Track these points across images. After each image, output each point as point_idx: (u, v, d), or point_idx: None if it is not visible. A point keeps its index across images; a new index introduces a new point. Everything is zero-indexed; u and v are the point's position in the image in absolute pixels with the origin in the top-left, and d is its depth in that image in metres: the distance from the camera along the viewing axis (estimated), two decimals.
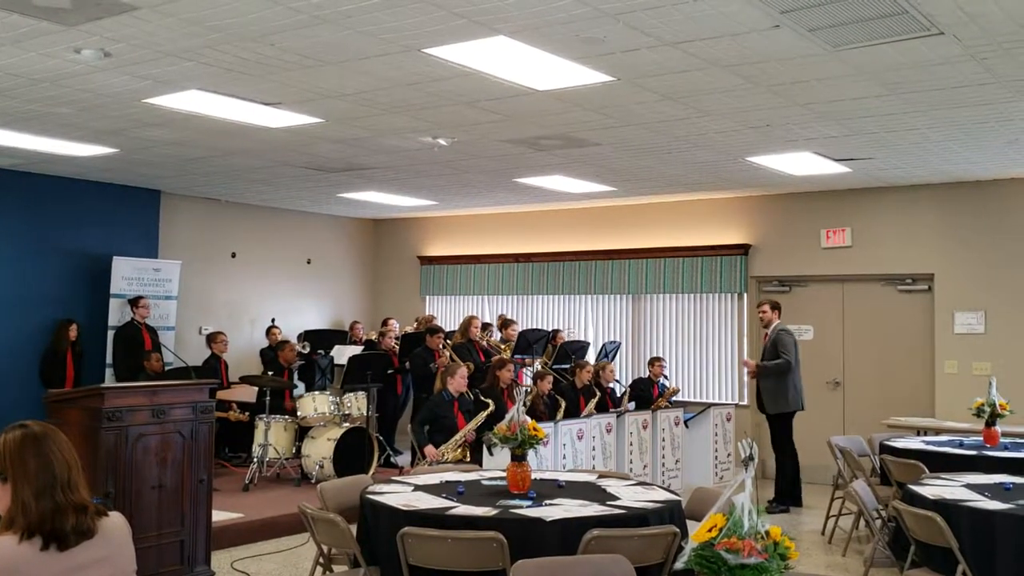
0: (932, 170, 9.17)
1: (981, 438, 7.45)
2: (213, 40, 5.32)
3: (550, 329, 11.40)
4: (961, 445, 7.46)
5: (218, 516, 6.89)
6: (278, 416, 9.42)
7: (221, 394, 9.68)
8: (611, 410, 9.15)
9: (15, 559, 2.36)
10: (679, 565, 2.58)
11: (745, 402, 11.06)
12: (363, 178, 10.18)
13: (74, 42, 5.41)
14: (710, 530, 2.53)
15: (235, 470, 9.61)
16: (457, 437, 7.73)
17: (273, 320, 12.29)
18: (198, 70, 5.92)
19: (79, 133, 7.98)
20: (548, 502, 4.68)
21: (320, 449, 8.99)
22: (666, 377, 10.43)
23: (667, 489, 5.25)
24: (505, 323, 11.26)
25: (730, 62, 5.57)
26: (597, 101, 6.58)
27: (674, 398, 10.25)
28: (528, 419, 5.06)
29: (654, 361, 10.43)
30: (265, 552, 7.11)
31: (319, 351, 11.28)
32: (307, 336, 11.93)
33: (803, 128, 7.35)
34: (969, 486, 5.51)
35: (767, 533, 2.51)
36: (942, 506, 4.94)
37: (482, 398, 8.07)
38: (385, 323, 11.67)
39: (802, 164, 8.85)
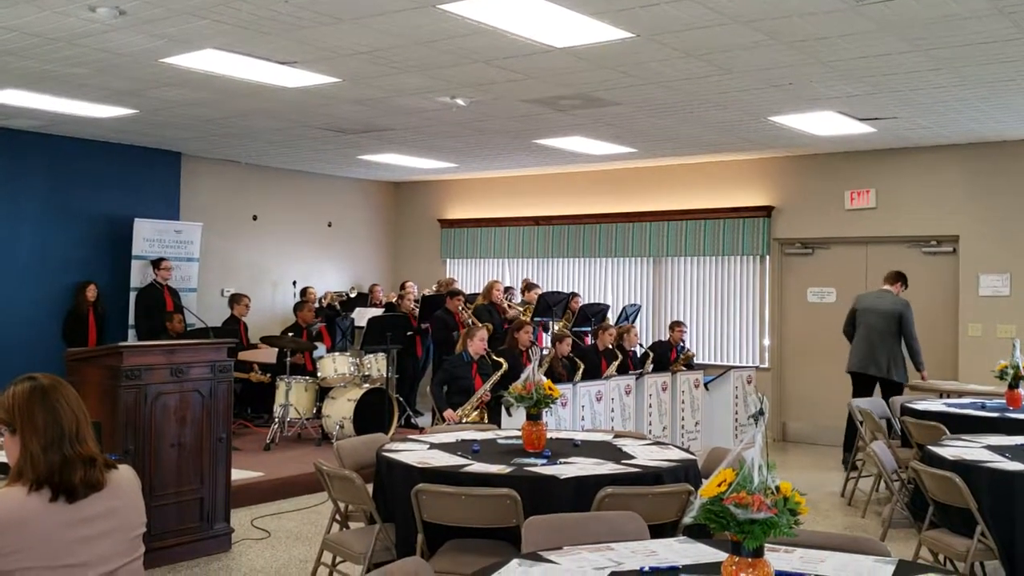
0: (958, 130, 9.01)
1: (1004, 401, 7.38)
2: None
3: (568, 292, 11.37)
4: (983, 407, 7.39)
5: (239, 475, 6.97)
6: (299, 377, 9.48)
7: (243, 355, 9.74)
8: (631, 372, 9.12)
9: (24, 510, 2.37)
10: (688, 520, 2.56)
11: (766, 365, 11.02)
12: (382, 140, 10.14)
13: (89, 0, 5.39)
14: (720, 485, 2.50)
15: (257, 430, 9.69)
16: (473, 399, 7.74)
17: (295, 283, 12.33)
18: (213, 28, 5.89)
19: (97, 94, 7.98)
20: (563, 460, 4.67)
21: (340, 409, 9.05)
22: (684, 342, 10.37)
23: (683, 448, 5.23)
24: (528, 286, 11.24)
25: (752, 17, 5.47)
26: (616, 59, 6.49)
27: (694, 360, 10.20)
28: (543, 378, 5.04)
29: (675, 325, 10.37)
30: (285, 510, 7.18)
31: (341, 312, 11.33)
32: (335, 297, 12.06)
33: (826, 86, 7.23)
34: (990, 447, 5.45)
35: (777, 488, 2.48)
36: (961, 467, 4.89)
37: (495, 358, 8.06)
38: (403, 286, 11.69)
39: (826, 124, 8.72)
